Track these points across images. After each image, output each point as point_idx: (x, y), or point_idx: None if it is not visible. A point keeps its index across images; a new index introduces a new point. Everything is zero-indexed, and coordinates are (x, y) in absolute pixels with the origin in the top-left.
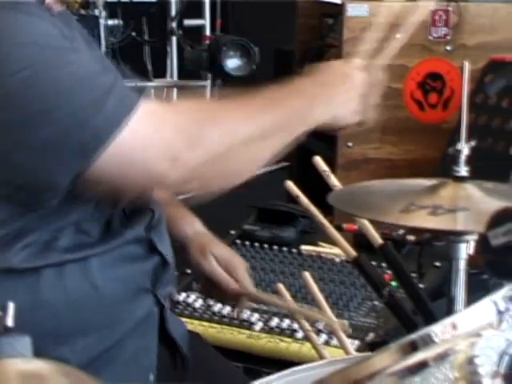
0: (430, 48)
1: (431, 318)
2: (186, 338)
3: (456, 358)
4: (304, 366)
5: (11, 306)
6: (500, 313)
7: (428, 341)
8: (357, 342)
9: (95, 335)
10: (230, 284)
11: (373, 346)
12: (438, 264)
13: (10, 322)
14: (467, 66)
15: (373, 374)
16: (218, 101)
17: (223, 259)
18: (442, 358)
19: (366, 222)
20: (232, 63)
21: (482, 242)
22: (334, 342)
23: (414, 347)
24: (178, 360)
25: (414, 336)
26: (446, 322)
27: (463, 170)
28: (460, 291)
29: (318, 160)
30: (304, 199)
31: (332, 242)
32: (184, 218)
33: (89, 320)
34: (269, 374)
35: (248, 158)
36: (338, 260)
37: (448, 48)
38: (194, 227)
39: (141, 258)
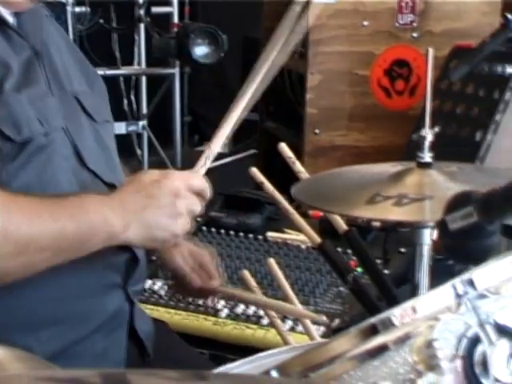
0: (397, 35)
1: (395, 304)
2: (152, 335)
3: (415, 341)
4: (268, 352)
5: None
6: (459, 296)
7: (388, 324)
8: (322, 328)
9: (62, 327)
10: (194, 281)
11: (338, 332)
12: (403, 250)
13: None
14: (431, 52)
15: (333, 358)
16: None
17: (191, 255)
18: (401, 341)
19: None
20: (200, 50)
21: (441, 227)
22: (300, 328)
23: (373, 331)
24: (146, 357)
25: (373, 320)
26: (406, 305)
27: (427, 156)
28: (424, 277)
29: (283, 146)
30: (268, 185)
31: (298, 228)
32: None
33: (57, 312)
34: (234, 360)
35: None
36: (303, 247)
37: (414, 35)
38: None
39: (111, 253)
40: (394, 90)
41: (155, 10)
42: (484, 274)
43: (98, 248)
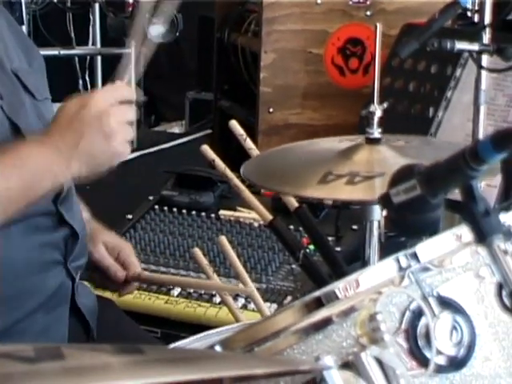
0: (350, 13)
1: (342, 274)
2: (95, 310)
3: (358, 315)
4: (217, 330)
5: None
6: (402, 269)
7: (332, 297)
8: (274, 306)
9: (4, 306)
10: (118, 271)
11: None
12: (355, 227)
13: None
14: (379, 27)
15: (277, 332)
16: None
17: (113, 247)
18: (345, 314)
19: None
20: (155, 30)
21: (385, 200)
22: (252, 306)
23: (317, 304)
24: (90, 335)
25: (317, 293)
26: (349, 279)
27: (376, 132)
28: (374, 253)
29: (235, 124)
30: (220, 163)
31: (250, 206)
32: None
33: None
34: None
35: None
36: (256, 224)
37: (368, 13)
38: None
39: (49, 230)
40: (348, 69)
41: None
42: (427, 247)
43: (47, 191)
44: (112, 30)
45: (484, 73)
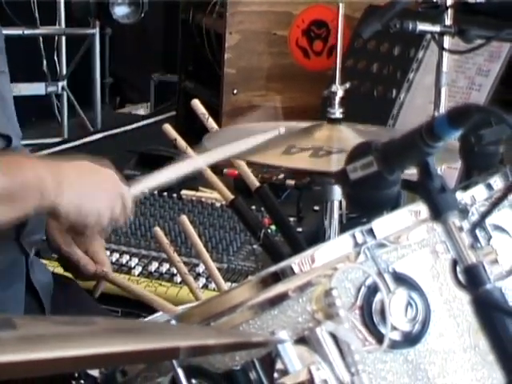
0: None
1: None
2: (49, 287)
3: (314, 290)
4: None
5: None
6: (358, 245)
7: (288, 273)
8: (235, 286)
9: None
10: (88, 265)
11: None
12: (316, 208)
13: None
14: (341, 7)
15: (233, 307)
16: None
17: (83, 240)
18: (300, 290)
19: (245, 166)
20: (120, 10)
21: (342, 176)
22: (213, 285)
23: (273, 279)
24: (44, 310)
25: (273, 268)
26: (305, 254)
27: (338, 112)
28: (335, 232)
29: (197, 103)
30: (182, 142)
31: (213, 187)
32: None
33: None
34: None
35: None
36: (218, 205)
37: None
38: None
39: None
40: (313, 51)
41: None
42: (384, 224)
43: (29, 208)
44: (76, 9)
45: (446, 55)
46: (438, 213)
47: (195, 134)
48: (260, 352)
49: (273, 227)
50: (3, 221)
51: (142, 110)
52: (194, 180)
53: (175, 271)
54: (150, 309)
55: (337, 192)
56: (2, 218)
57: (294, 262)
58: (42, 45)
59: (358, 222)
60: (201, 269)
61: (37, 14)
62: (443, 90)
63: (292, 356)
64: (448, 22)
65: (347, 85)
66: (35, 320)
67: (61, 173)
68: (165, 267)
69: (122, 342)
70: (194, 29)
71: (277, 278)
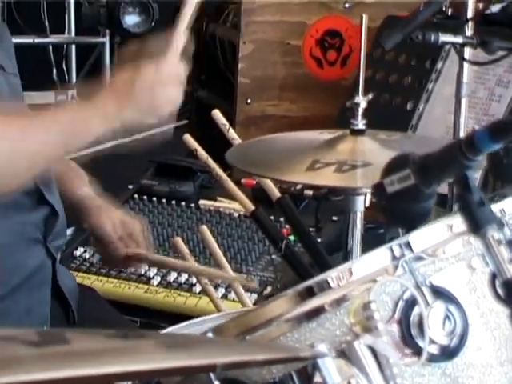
0: (329, 5)
1: (326, 267)
2: (75, 293)
3: (351, 303)
4: (199, 319)
5: None
6: (395, 258)
7: (324, 287)
8: (255, 296)
9: None
10: (117, 249)
11: None
12: (335, 218)
13: None
14: (365, 18)
15: (269, 321)
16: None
17: (121, 223)
18: (338, 303)
19: (266, 178)
20: (130, 20)
21: (378, 189)
22: (232, 295)
23: (310, 293)
24: (70, 314)
25: (310, 282)
26: (343, 268)
27: (361, 123)
28: (356, 243)
29: (217, 113)
30: (202, 152)
31: (231, 196)
32: (75, 178)
33: None
34: (166, 327)
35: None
36: (236, 215)
37: (346, 5)
38: (85, 189)
39: (29, 208)
40: (326, 61)
41: None
42: (421, 237)
43: (96, 134)
44: (87, 18)
45: (466, 66)
46: (477, 226)
47: (208, 142)
48: (297, 365)
49: (291, 237)
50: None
51: None
52: (212, 190)
53: (194, 281)
54: (170, 319)
55: (359, 203)
56: (54, 159)
57: (332, 275)
58: (51, 53)
59: (376, 233)
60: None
61: (47, 23)
62: (463, 101)
63: (331, 369)
64: (468, 33)
65: (370, 96)
66: (86, 334)
67: (112, 100)
68: (183, 277)
69: (174, 356)
70: (208, 38)
71: (313, 291)
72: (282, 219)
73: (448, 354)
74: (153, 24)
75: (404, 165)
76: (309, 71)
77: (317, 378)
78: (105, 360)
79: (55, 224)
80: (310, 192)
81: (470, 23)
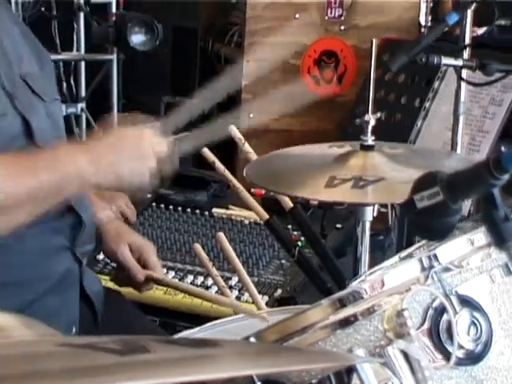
0: (326, 27)
1: (337, 274)
2: (101, 295)
3: (385, 311)
4: (224, 320)
5: None
6: (425, 269)
7: (357, 297)
8: (266, 298)
9: (17, 289)
10: (138, 273)
11: (281, 301)
12: (339, 226)
13: None
14: (375, 43)
15: (305, 328)
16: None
17: (136, 248)
18: (370, 312)
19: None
20: (137, 38)
21: (408, 205)
22: (245, 297)
23: (344, 302)
24: (96, 318)
25: (344, 292)
26: (375, 279)
27: (370, 139)
28: (365, 250)
29: (234, 128)
30: (220, 165)
31: (242, 205)
32: (96, 202)
33: (10, 275)
34: (184, 327)
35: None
36: (247, 222)
37: (342, 28)
38: (105, 213)
39: (56, 217)
40: (323, 79)
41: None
42: (447, 250)
43: (72, 194)
44: (96, 37)
45: (463, 86)
46: (502, 241)
47: (215, 154)
48: (336, 367)
49: (299, 243)
50: (49, 209)
51: None
52: (224, 199)
53: (209, 284)
54: (187, 319)
55: (368, 213)
56: (48, 207)
57: (366, 285)
58: (62, 69)
59: (376, 240)
60: (233, 282)
61: (58, 41)
62: (461, 118)
63: (368, 372)
64: (465, 56)
65: (378, 114)
66: (164, 342)
67: (93, 153)
68: (199, 280)
69: (250, 364)
70: (213, 57)
71: (348, 301)
72: (289, 226)
73: (474, 358)
74: (157, 43)
75: (433, 182)
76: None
77: (354, 380)
78: (187, 368)
79: (82, 232)
80: (315, 201)
81: (468, 48)
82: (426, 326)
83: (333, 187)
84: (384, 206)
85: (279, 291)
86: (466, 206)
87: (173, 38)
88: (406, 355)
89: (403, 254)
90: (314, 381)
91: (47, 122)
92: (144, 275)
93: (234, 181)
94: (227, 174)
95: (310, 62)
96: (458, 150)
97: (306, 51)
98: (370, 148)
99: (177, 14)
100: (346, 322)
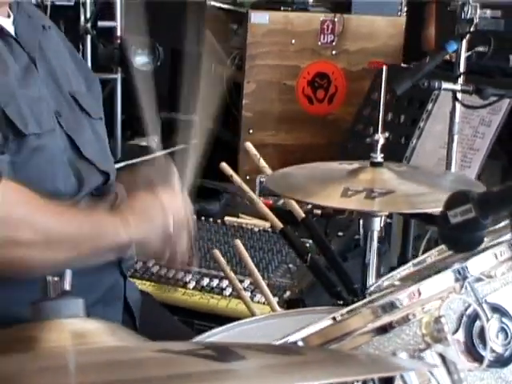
0: (319, 52)
1: (346, 278)
2: (139, 302)
3: (423, 318)
4: (249, 319)
5: (68, 273)
6: (458, 280)
7: (396, 305)
8: (276, 299)
9: None
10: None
11: (289, 303)
12: (340, 234)
13: (67, 286)
14: (385, 70)
15: (346, 334)
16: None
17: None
18: (409, 319)
19: (291, 200)
20: (140, 60)
21: (442, 220)
22: (257, 298)
23: (383, 311)
24: (135, 321)
25: (382, 301)
26: (412, 289)
27: (379, 157)
28: (374, 256)
29: (249, 145)
30: (237, 178)
31: (251, 213)
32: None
33: None
34: (201, 325)
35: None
36: (256, 229)
37: (334, 52)
38: None
39: None
40: (316, 98)
41: (101, 24)
42: (477, 262)
43: (104, 250)
44: (102, 58)
45: (458, 108)
46: None
47: (215, 166)
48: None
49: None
50: (83, 256)
51: (144, 142)
52: (235, 208)
53: (224, 285)
54: (204, 317)
55: (376, 223)
56: (84, 255)
57: (404, 294)
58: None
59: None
60: (245, 284)
61: None
62: (455, 137)
63: (411, 374)
64: (460, 81)
65: (387, 134)
66: (253, 349)
67: (131, 218)
68: (215, 282)
69: (339, 372)
70: (216, 78)
71: (385, 309)
72: (296, 233)
73: (503, 361)
74: (159, 64)
75: (465, 200)
76: (301, 107)
77: (397, 382)
78: (285, 375)
79: (130, 249)
80: (318, 211)
81: (463, 75)
82: (461, 331)
83: (348, 197)
84: (389, 216)
85: (288, 293)
86: None
87: (170, 60)
88: (443, 358)
89: (416, 260)
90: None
91: (93, 139)
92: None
93: (251, 193)
94: (244, 186)
95: (304, 83)
96: (453, 166)
97: (300, 73)
98: (379, 164)
99: (170, 37)
100: (387, 328)
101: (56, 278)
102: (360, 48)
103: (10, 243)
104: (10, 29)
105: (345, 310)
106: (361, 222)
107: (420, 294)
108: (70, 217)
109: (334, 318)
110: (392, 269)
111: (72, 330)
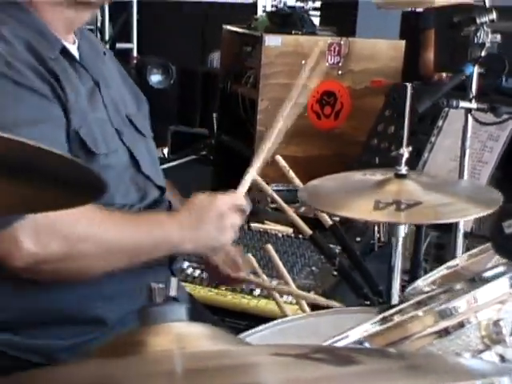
0: (327, 72)
1: (371, 281)
2: (187, 302)
3: (482, 321)
4: (287, 318)
5: (174, 280)
6: None
7: (454, 310)
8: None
9: (122, 300)
10: (224, 270)
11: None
12: (358, 239)
13: (173, 292)
14: (409, 88)
15: (408, 336)
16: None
17: (228, 253)
18: (468, 322)
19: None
20: (155, 78)
21: (496, 230)
22: (283, 298)
23: (442, 316)
24: None
25: (442, 306)
26: (470, 295)
27: (403, 169)
28: (398, 260)
29: (280, 159)
30: (268, 188)
31: (275, 220)
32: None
33: (119, 287)
34: (233, 323)
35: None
36: (280, 235)
37: (340, 72)
38: None
39: None
40: (323, 114)
41: (119, 45)
42: None
43: (162, 256)
44: None
45: (470, 123)
46: None
47: (228, 177)
48: None
49: None
50: (140, 261)
51: (160, 153)
52: (261, 215)
53: (253, 286)
54: (235, 315)
55: (401, 231)
56: (140, 260)
57: (463, 300)
58: None
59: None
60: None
61: None
62: (467, 151)
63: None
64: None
65: (410, 148)
66: (366, 353)
67: (182, 227)
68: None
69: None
70: (232, 96)
71: (444, 314)
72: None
73: None
74: (171, 82)
75: None
76: (310, 122)
77: None
78: (405, 379)
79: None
80: (337, 218)
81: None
82: None
83: (380, 210)
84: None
85: (312, 293)
86: (468, 223)
87: (179, 79)
88: (502, 358)
89: (450, 263)
90: None
91: (147, 156)
92: (228, 273)
93: (281, 201)
94: (275, 196)
95: (313, 101)
96: (465, 177)
97: (309, 92)
98: (403, 176)
99: (180, 57)
100: (448, 331)
101: (161, 285)
102: (363, 68)
103: (71, 257)
104: (76, 54)
105: (393, 310)
106: (376, 228)
107: (476, 300)
108: (130, 227)
109: (389, 320)
110: (405, 272)
111: (177, 333)
